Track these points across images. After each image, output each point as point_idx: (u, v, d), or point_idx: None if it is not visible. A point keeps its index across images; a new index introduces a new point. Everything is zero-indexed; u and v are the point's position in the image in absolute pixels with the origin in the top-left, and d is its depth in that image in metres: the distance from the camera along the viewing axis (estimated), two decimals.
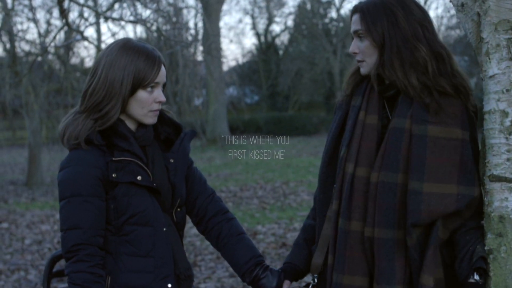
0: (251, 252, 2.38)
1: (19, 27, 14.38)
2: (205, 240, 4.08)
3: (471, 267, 2.04)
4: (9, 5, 12.82)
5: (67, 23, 7.09)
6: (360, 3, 2.24)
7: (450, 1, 2.19)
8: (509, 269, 2.04)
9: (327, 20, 28.97)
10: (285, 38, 31.62)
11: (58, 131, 2.23)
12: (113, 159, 2.15)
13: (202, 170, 14.45)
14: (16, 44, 13.52)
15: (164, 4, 12.13)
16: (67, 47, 13.99)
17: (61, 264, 2.51)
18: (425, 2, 22.58)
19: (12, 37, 13.01)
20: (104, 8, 11.71)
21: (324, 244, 2.27)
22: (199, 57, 19.29)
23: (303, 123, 25.45)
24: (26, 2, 13.19)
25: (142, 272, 2.18)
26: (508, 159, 2.04)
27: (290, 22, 31.14)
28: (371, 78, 2.22)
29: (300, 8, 28.63)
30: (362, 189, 2.16)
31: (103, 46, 13.06)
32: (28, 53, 13.77)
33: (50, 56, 14.67)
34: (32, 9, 13.30)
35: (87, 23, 13.77)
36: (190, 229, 7.42)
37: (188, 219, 2.43)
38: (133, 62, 2.17)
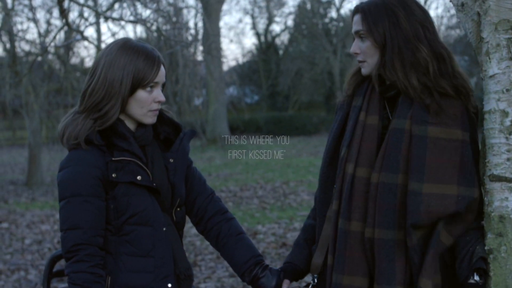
0: (251, 252, 2.38)
1: (19, 27, 14.40)
2: (205, 240, 4.08)
3: (471, 268, 2.04)
4: (9, 5, 12.82)
5: (67, 23, 7.09)
6: (361, 3, 2.24)
7: (450, 1, 2.19)
8: (509, 269, 2.04)
9: (327, 20, 28.98)
10: (285, 38, 31.64)
11: (58, 131, 2.23)
12: (113, 159, 2.15)
13: (202, 170, 14.47)
14: (16, 44, 13.53)
15: (164, 4, 12.13)
16: (67, 47, 14.00)
17: (61, 264, 2.51)
18: (425, 2, 22.58)
19: (12, 37, 13.01)
20: (104, 8, 11.72)
21: (324, 244, 2.27)
22: (199, 57, 19.30)
23: (303, 123, 25.45)
24: (26, 2, 13.20)
25: (142, 272, 2.18)
26: (508, 159, 2.04)
27: (290, 22, 31.17)
28: (373, 78, 2.22)
29: (300, 8, 28.64)
30: (362, 190, 2.16)
31: (103, 46, 13.05)
32: (28, 53, 13.77)
33: (50, 56, 14.68)
34: (32, 9, 13.31)
35: (87, 23, 13.78)
36: (190, 229, 7.42)
37: (187, 219, 2.43)
38: (133, 62, 2.17)
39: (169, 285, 2.22)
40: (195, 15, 21.05)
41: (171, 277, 2.23)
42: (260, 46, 31.21)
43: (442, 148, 2.07)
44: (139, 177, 2.16)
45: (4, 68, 12.56)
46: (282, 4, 30.28)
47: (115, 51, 2.18)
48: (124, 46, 2.20)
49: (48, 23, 14.50)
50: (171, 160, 2.30)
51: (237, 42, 37.56)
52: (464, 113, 2.13)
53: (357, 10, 2.23)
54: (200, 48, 19.26)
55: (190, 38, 17.49)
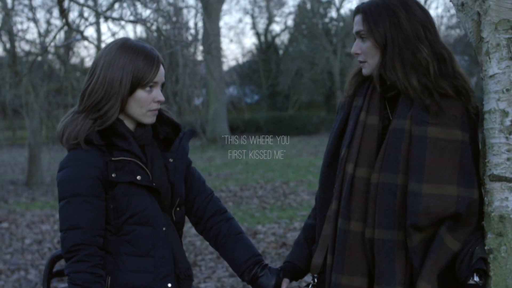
0: (250, 251, 2.38)
1: (19, 26, 14.40)
2: (205, 240, 4.08)
3: (471, 268, 2.03)
4: (9, 5, 12.82)
5: (67, 23, 7.09)
6: (362, 3, 2.24)
7: (450, 1, 2.19)
8: (509, 269, 2.03)
9: (327, 20, 29.00)
10: (285, 37, 31.66)
11: (57, 131, 2.23)
12: (113, 159, 2.15)
13: (202, 169, 14.45)
14: (16, 44, 13.53)
15: (164, 3, 12.14)
16: (67, 46, 14.00)
17: (61, 264, 2.51)
18: (425, 2, 22.58)
19: (12, 36, 13.01)
20: (104, 8, 11.72)
21: (324, 244, 2.27)
22: (199, 57, 19.31)
23: (303, 123, 25.46)
24: (26, 2, 13.20)
25: (142, 272, 2.18)
26: (508, 159, 2.03)
27: (290, 22, 31.19)
28: (374, 79, 2.22)
29: (300, 7, 28.65)
30: (361, 190, 2.16)
31: (103, 46, 13.04)
32: (28, 53, 13.77)
33: (50, 56, 14.68)
34: (32, 8, 13.31)
35: (87, 23, 13.78)
36: (190, 229, 7.42)
37: (186, 219, 2.43)
38: (132, 62, 2.16)
39: (169, 285, 2.22)
40: (195, 15, 21.08)
41: (171, 277, 2.23)
42: (260, 46, 31.21)
43: (442, 148, 2.07)
44: (138, 177, 2.16)
45: (4, 68, 12.56)
46: (282, 4, 30.30)
47: (115, 51, 2.18)
48: (123, 46, 2.19)
49: (48, 23, 14.51)
50: (171, 160, 2.30)
51: (237, 42, 37.58)
52: (464, 113, 2.12)
53: (358, 10, 2.23)
54: (200, 48, 19.28)
55: (190, 38, 17.50)
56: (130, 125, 2.24)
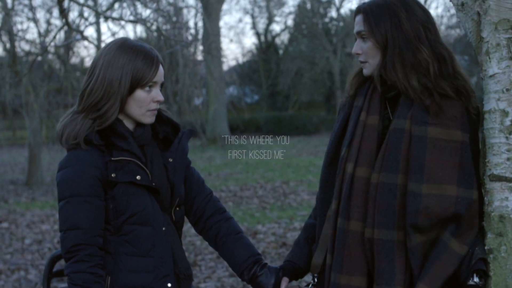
0: (250, 251, 2.38)
1: (19, 26, 14.40)
2: (205, 240, 4.08)
3: (470, 269, 2.03)
4: (9, 5, 12.82)
5: (67, 23, 7.09)
6: (363, 4, 2.24)
7: (450, 1, 2.19)
8: (509, 269, 2.03)
9: (327, 20, 28.99)
10: (285, 37, 31.67)
11: (56, 131, 2.23)
12: (112, 159, 2.15)
13: (202, 169, 14.45)
14: (16, 43, 13.53)
15: (164, 3, 12.13)
16: (67, 46, 14.00)
17: (61, 263, 2.51)
18: (425, 1, 22.58)
19: (12, 36, 13.01)
20: (104, 8, 11.72)
21: (324, 244, 2.27)
22: (199, 57, 19.31)
23: (303, 123, 25.46)
24: (26, 2, 13.20)
25: (141, 271, 2.18)
26: (508, 159, 2.03)
27: (290, 22, 31.19)
28: (374, 79, 2.22)
29: (300, 7, 28.65)
30: (361, 189, 2.16)
31: (103, 45, 13.04)
32: (28, 53, 13.77)
33: (50, 56, 14.68)
34: (32, 8, 13.31)
35: (87, 23, 13.78)
36: (190, 229, 7.42)
37: (185, 219, 2.43)
38: (131, 62, 2.16)
39: (169, 284, 2.22)
40: (195, 15, 21.06)
41: (171, 276, 2.23)
42: (260, 45, 31.22)
43: (442, 148, 2.07)
44: (138, 177, 2.16)
45: (4, 68, 12.56)
46: (282, 4, 30.30)
47: (114, 50, 2.18)
48: (122, 45, 2.19)
49: (48, 22, 14.52)
50: (170, 160, 2.30)
51: (237, 42, 37.54)
52: (464, 114, 2.12)
53: (359, 10, 2.23)
54: (200, 47, 19.28)
55: (190, 37, 17.50)
56: (129, 125, 2.24)
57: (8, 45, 13.44)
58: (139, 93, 2.19)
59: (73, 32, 10.96)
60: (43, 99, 13.71)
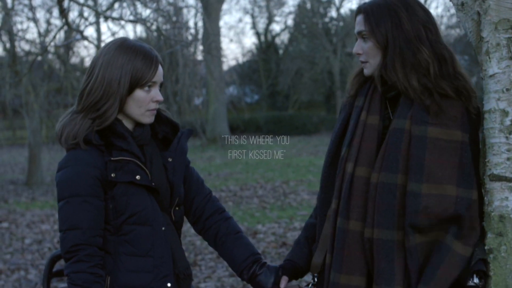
0: (249, 250, 2.38)
1: (19, 26, 14.40)
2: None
3: (470, 270, 2.03)
4: (9, 5, 12.82)
5: (67, 23, 7.08)
6: (364, 4, 2.24)
7: (450, 0, 2.19)
8: (509, 269, 2.03)
9: (327, 19, 28.99)
10: (285, 37, 31.67)
11: (56, 131, 2.22)
12: (112, 158, 2.15)
13: (202, 169, 14.44)
14: (16, 43, 13.53)
15: (164, 3, 12.13)
16: (67, 46, 13.99)
17: (61, 263, 2.51)
18: (425, 1, 22.57)
19: (12, 36, 13.01)
20: (104, 8, 11.72)
21: (324, 243, 2.27)
22: (199, 57, 19.31)
23: (303, 123, 25.46)
24: (26, 2, 13.20)
25: (141, 271, 2.18)
26: (508, 159, 2.03)
27: (290, 22, 31.20)
28: (375, 79, 2.22)
29: (300, 7, 28.65)
30: (361, 189, 2.15)
31: (102, 45, 13.04)
32: (28, 53, 13.77)
33: (50, 56, 14.68)
34: (32, 8, 13.31)
35: (87, 23, 13.77)
36: (190, 229, 7.42)
37: (185, 218, 2.43)
38: (131, 62, 2.16)
39: (169, 284, 2.22)
40: (195, 15, 21.06)
41: (171, 276, 2.23)
42: (260, 45, 31.22)
43: (442, 148, 2.07)
44: (138, 177, 2.16)
45: (4, 68, 12.56)
46: (282, 4, 30.30)
47: (113, 50, 2.18)
48: (122, 45, 2.19)
49: (48, 22, 14.51)
50: (170, 159, 2.30)
51: (237, 42, 37.55)
52: (464, 114, 2.12)
53: (359, 10, 2.23)
54: (200, 47, 19.27)
55: (190, 37, 17.50)
56: (128, 125, 2.24)
57: (8, 45, 13.44)
58: (139, 93, 2.19)
59: (73, 32, 10.96)
60: (43, 99, 13.71)
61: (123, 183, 2.15)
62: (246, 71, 31.93)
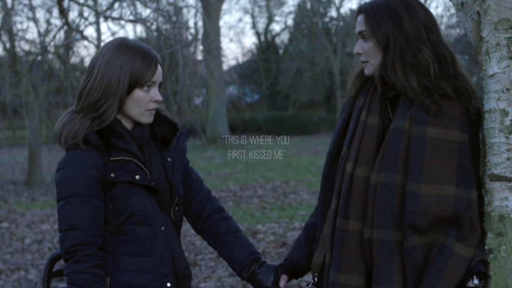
0: (249, 249, 2.39)
1: (19, 26, 14.40)
2: None
3: (470, 271, 2.03)
4: (9, 5, 12.82)
5: (66, 23, 7.08)
6: (365, 4, 2.24)
7: (450, 0, 2.18)
8: (509, 269, 2.03)
9: (327, 19, 28.99)
10: (285, 37, 31.67)
11: (55, 131, 2.22)
12: (111, 158, 2.15)
13: (202, 169, 14.43)
14: (16, 43, 13.53)
15: (164, 3, 12.12)
16: (67, 46, 14.00)
17: (61, 263, 2.51)
18: (425, 1, 22.56)
19: (12, 36, 13.01)
20: (104, 8, 11.72)
21: (324, 243, 2.27)
22: (199, 56, 19.29)
23: (303, 122, 25.46)
24: (26, 2, 13.20)
25: (141, 271, 2.18)
26: (508, 158, 2.03)
27: (290, 21, 31.20)
28: (375, 79, 2.22)
29: (300, 7, 28.65)
30: (360, 189, 2.15)
31: (102, 45, 13.03)
32: (28, 53, 13.77)
33: (50, 56, 14.69)
34: (32, 8, 13.31)
35: (87, 23, 13.78)
36: (190, 229, 7.42)
37: (184, 218, 2.43)
38: (130, 61, 2.16)
39: (168, 284, 2.22)
40: (195, 15, 21.04)
41: (170, 276, 2.23)
42: (260, 45, 31.23)
43: (441, 149, 2.07)
44: (137, 177, 2.16)
45: (4, 68, 12.57)
46: (282, 3, 30.29)
47: (112, 50, 2.18)
48: (121, 45, 2.19)
49: (48, 22, 14.51)
50: (169, 159, 2.30)
51: (237, 42, 37.58)
52: (464, 114, 2.11)
53: (360, 10, 2.23)
54: (200, 47, 19.26)
55: (190, 37, 17.48)
56: (127, 124, 2.24)
57: (8, 45, 13.45)
58: (138, 93, 2.19)
59: (73, 32, 10.96)
60: (43, 99, 13.72)
61: (122, 183, 2.15)
62: (246, 71, 31.93)
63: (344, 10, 30.09)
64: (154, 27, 9.42)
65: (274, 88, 30.14)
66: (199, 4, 20.61)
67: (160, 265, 2.20)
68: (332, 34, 28.35)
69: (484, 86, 2.09)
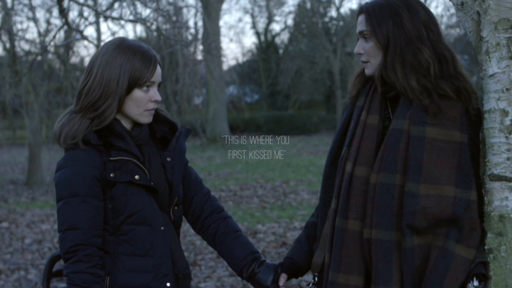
0: (248, 249, 2.39)
1: (19, 26, 14.40)
2: None
3: (470, 273, 2.03)
4: (9, 4, 12.82)
5: (66, 22, 7.07)
6: (366, 4, 2.24)
7: (450, 0, 2.18)
8: (509, 269, 2.03)
9: (327, 19, 28.99)
10: (285, 37, 31.68)
11: (54, 131, 2.22)
12: (111, 158, 2.14)
13: (202, 169, 14.42)
14: (16, 43, 13.53)
15: (163, 3, 12.12)
16: (67, 46, 14.00)
17: (61, 263, 2.51)
18: (425, 1, 22.56)
19: (12, 36, 13.01)
20: (103, 7, 11.72)
21: (324, 243, 2.27)
22: (199, 56, 19.30)
23: (303, 122, 25.47)
24: (26, 1, 13.20)
25: (140, 271, 2.18)
26: (508, 158, 2.03)
27: (290, 21, 31.20)
28: (375, 79, 2.22)
29: (300, 7, 28.64)
30: (360, 188, 2.15)
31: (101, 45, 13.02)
32: (28, 52, 13.78)
33: (50, 55, 14.69)
34: (31, 8, 13.31)
35: (86, 22, 13.78)
36: (190, 229, 7.38)
37: (183, 218, 2.43)
38: (129, 61, 2.16)
39: (168, 284, 2.22)
40: (195, 14, 21.05)
41: (170, 276, 2.23)
42: (260, 45, 31.23)
43: (440, 149, 2.06)
44: (137, 177, 2.16)
45: (4, 68, 12.57)
46: (282, 3, 30.29)
47: (111, 50, 2.18)
48: (120, 45, 2.19)
49: (48, 22, 14.51)
50: (168, 159, 2.30)
51: (237, 41, 37.52)
52: (463, 115, 2.11)
53: (361, 10, 2.23)
54: (200, 47, 19.26)
55: (190, 37, 17.49)
56: (127, 124, 2.24)
57: (8, 45, 13.45)
58: (137, 93, 2.19)
59: (73, 32, 10.96)
60: (43, 99, 13.72)
61: (122, 183, 2.15)
62: (246, 71, 31.93)
63: (344, 10, 30.13)
64: (154, 27, 9.42)
65: (274, 88, 30.14)
66: (199, 4, 20.61)
67: (159, 265, 2.20)
68: (332, 34, 28.34)
69: (484, 86, 2.09)
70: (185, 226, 6.17)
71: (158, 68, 2.22)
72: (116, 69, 2.15)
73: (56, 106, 14.57)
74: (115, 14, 11.09)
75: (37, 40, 14.21)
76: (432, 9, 22.81)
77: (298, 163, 15.47)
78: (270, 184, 12.13)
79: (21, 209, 10.76)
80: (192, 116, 18.69)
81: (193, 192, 2.42)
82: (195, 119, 18.76)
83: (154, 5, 10.12)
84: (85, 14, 13.28)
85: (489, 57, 2.06)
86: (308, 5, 28.35)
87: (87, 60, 16.88)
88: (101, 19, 14.76)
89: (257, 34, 31.09)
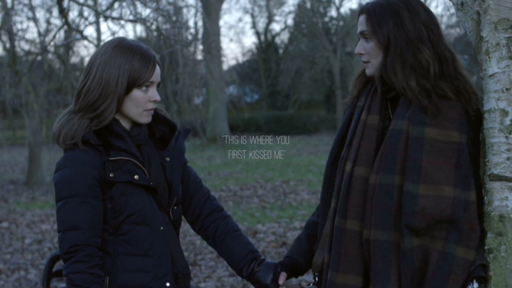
0: (248, 248, 2.39)
1: (18, 26, 14.40)
2: None
3: (470, 275, 2.03)
4: (9, 4, 12.81)
5: (66, 22, 7.07)
6: (367, 4, 2.24)
7: (450, 0, 2.18)
8: (509, 269, 2.03)
9: (327, 19, 28.98)
10: (285, 37, 31.67)
11: (53, 131, 2.22)
12: (110, 158, 2.14)
13: (202, 169, 14.42)
14: (16, 43, 13.53)
15: (163, 3, 12.12)
16: (67, 46, 13.99)
17: (60, 263, 2.51)
18: (425, 1, 22.56)
19: (12, 36, 13.01)
20: (103, 7, 11.71)
21: (325, 243, 2.27)
22: (199, 56, 19.30)
23: (303, 122, 25.47)
24: (26, 1, 13.20)
25: (140, 271, 2.18)
26: (508, 158, 2.03)
27: (290, 21, 31.19)
28: (375, 79, 2.22)
29: (300, 7, 28.63)
30: (359, 188, 2.15)
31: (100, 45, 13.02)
32: (28, 52, 13.78)
33: (50, 55, 14.69)
34: (31, 8, 13.31)
35: (86, 22, 13.78)
36: (190, 228, 7.39)
37: (183, 218, 2.43)
38: (128, 61, 2.16)
39: (168, 284, 2.22)
40: (195, 14, 21.05)
41: (170, 276, 2.23)
42: (260, 45, 31.23)
43: (439, 149, 2.06)
44: (136, 177, 2.16)
45: (4, 68, 12.57)
46: (282, 3, 30.28)
47: (110, 50, 2.18)
48: (119, 45, 2.19)
49: (48, 22, 14.51)
50: (168, 159, 2.30)
51: (237, 41, 37.55)
52: (463, 115, 2.11)
53: (362, 10, 2.23)
54: (200, 47, 19.26)
55: (190, 37, 17.49)
56: (126, 124, 2.24)
57: (8, 45, 13.45)
58: (136, 93, 2.19)
59: (72, 32, 10.96)
60: (43, 99, 13.72)
61: (121, 183, 2.15)
62: (246, 71, 31.93)
63: (344, 9, 30.15)
64: (154, 27, 9.42)
65: (274, 88, 30.14)
66: (199, 4, 20.61)
67: (159, 265, 2.20)
68: (332, 34, 28.33)
69: (484, 86, 2.09)
70: (185, 226, 6.17)
71: (157, 68, 2.22)
72: (115, 69, 2.15)
73: (56, 106, 14.57)
74: (115, 14, 11.09)
75: (37, 40, 14.22)
76: (432, 9, 22.76)
77: (298, 163, 15.47)
78: (270, 184, 12.13)
79: (21, 209, 10.76)
80: (192, 116, 18.69)
81: (192, 191, 2.42)
82: (195, 119, 18.75)
83: (154, 5, 10.12)
84: (85, 14, 13.28)
85: (489, 57, 2.06)
86: (308, 5, 28.34)
87: (87, 60, 16.86)
88: (101, 19, 14.76)
89: (257, 34, 31.10)
